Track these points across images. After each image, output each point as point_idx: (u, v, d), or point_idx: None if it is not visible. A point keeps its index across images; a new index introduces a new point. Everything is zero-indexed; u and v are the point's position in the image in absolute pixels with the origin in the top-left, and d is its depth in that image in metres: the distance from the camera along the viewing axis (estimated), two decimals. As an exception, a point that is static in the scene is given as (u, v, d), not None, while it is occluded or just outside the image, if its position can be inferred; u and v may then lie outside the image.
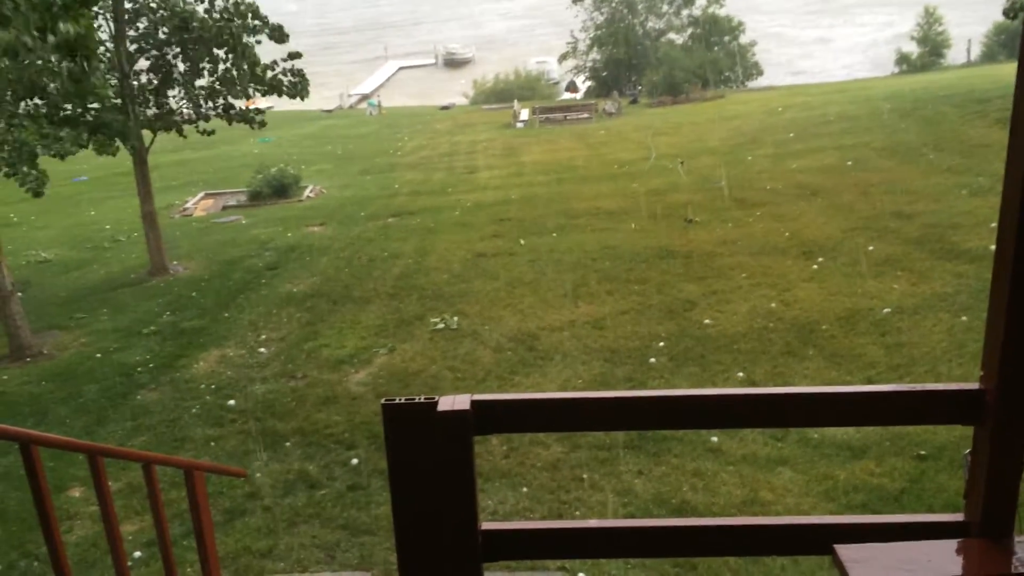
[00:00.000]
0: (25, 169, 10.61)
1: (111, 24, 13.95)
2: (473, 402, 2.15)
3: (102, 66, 13.00)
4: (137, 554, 6.12)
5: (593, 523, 2.80)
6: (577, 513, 6.31)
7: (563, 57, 52.60)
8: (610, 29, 50.08)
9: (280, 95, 14.86)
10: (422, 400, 2.16)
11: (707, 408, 2.31)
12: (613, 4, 50.54)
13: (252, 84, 14.53)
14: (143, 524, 6.45)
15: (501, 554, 2.43)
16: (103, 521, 3.29)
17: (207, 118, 14.78)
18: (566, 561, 5.56)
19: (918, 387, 2.21)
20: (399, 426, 2.18)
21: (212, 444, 7.95)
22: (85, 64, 9.25)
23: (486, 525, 2.28)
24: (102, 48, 13.94)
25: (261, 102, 15.38)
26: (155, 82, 14.46)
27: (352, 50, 79.69)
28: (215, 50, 13.98)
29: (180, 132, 14.74)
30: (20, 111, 11.36)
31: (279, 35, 14.42)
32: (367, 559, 5.89)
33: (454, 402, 2.15)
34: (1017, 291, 1.91)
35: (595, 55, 51.45)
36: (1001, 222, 1.92)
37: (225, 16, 13.71)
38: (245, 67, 14.06)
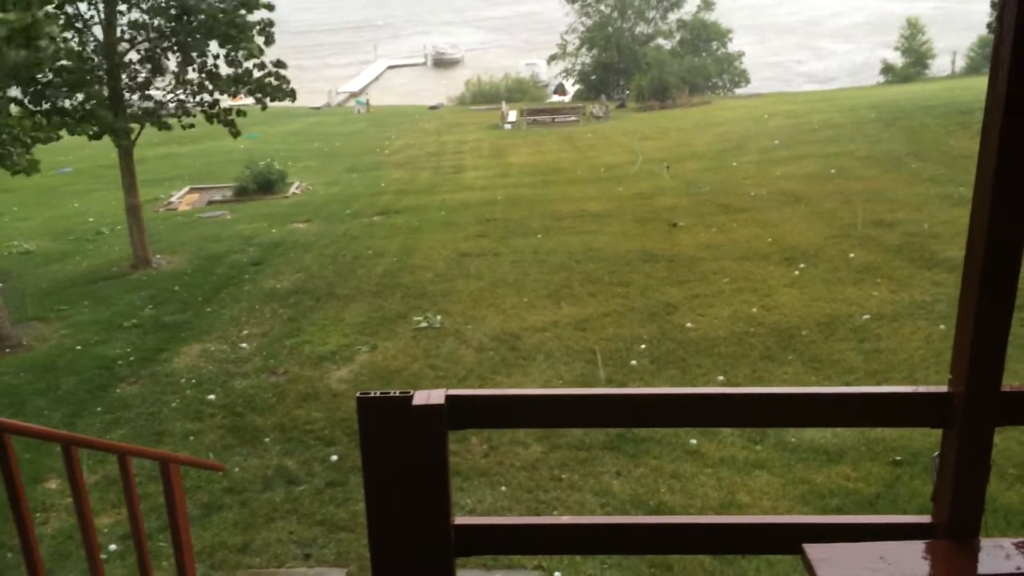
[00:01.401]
0: (11, 150, 10.51)
1: (102, 15, 13.86)
2: (448, 397, 2.17)
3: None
4: (112, 547, 6.09)
5: (566, 519, 2.83)
6: (555, 513, 6.33)
7: (552, 59, 52.71)
8: (599, 33, 50.21)
9: (267, 97, 14.70)
10: (397, 394, 2.17)
11: (682, 406, 2.33)
12: (602, 7, 50.68)
13: (239, 84, 14.43)
14: (119, 517, 6.42)
15: (474, 549, 2.45)
16: (76, 511, 3.28)
17: (191, 114, 14.66)
18: (543, 560, 5.58)
19: (888, 389, 2.25)
20: (374, 419, 2.19)
21: (191, 438, 7.92)
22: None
23: (459, 520, 2.30)
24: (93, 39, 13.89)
25: (249, 99, 15.26)
26: (144, 74, 14.34)
27: (347, 50, 79.43)
28: (211, 42, 13.76)
29: (163, 127, 14.59)
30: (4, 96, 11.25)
31: (267, 37, 14.26)
32: (343, 555, 5.88)
33: (429, 396, 2.17)
34: (985, 297, 1.94)
35: (584, 58, 51.59)
36: (971, 230, 1.96)
37: (233, 4, 13.50)
38: (239, 57, 13.90)
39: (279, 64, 14.50)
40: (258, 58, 13.98)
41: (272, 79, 14.46)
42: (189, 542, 4.42)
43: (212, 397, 8.81)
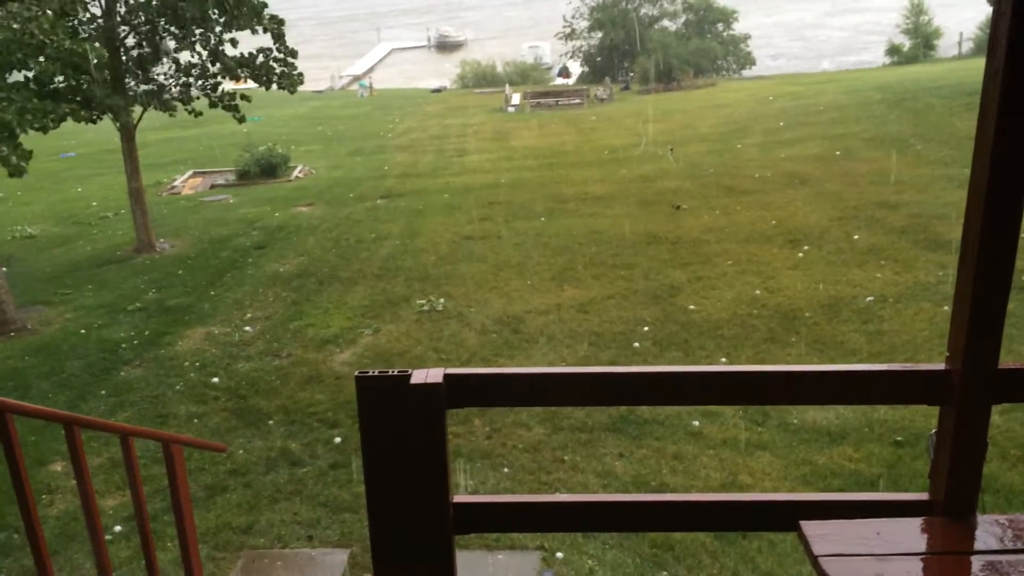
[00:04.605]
0: (4, 149, 10.48)
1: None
2: (446, 375, 2.17)
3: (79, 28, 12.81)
4: (117, 528, 6.14)
5: (565, 498, 2.84)
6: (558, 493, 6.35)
7: (565, 39, 52.31)
8: (605, 14, 49.90)
9: (268, 86, 14.68)
10: (395, 373, 2.18)
11: (682, 385, 2.34)
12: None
13: (242, 68, 14.39)
14: (124, 499, 6.46)
15: (473, 527, 2.47)
16: (79, 490, 3.30)
17: (190, 100, 14.60)
18: (544, 541, 5.61)
19: (885, 367, 2.25)
20: (372, 398, 2.19)
21: (195, 421, 7.95)
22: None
23: (458, 498, 2.31)
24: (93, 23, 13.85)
25: (251, 82, 15.22)
26: (145, 57, 14.29)
27: (354, 35, 78.99)
28: (210, 12, 13.63)
29: (171, 111, 14.59)
30: (5, 84, 11.22)
31: (277, 29, 14.15)
32: (347, 536, 5.91)
33: (427, 375, 2.17)
34: (982, 275, 1.94)
35: (589, 40, 51.31)
36: (968, 207, 1.95)
37: None
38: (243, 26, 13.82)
39: (291, 53, 14.44)
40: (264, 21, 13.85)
41: (277, 64, 14.43)
42: (192, 523, 4.44)
43: (216, 380, 8.85)
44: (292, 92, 15.01)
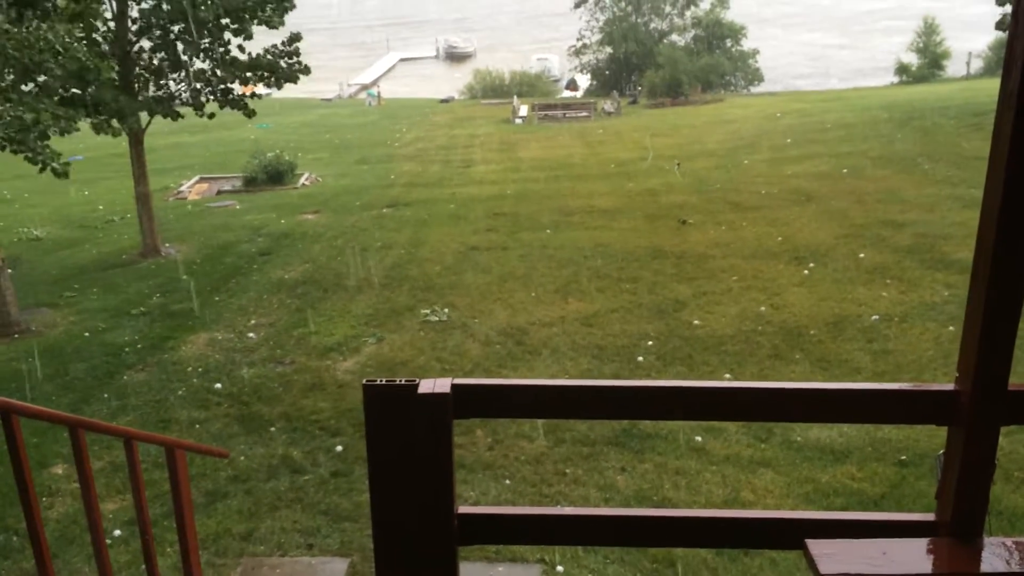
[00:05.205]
0: (47, 147, 10.53)
1: (113, 3, 13.88)
2: (454, 385, 2.17)
3: (103, 47, 12.95)
4: (117, 532, 6.12)
5: (569, 511, 2.83)
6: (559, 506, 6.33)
7: (577, 53, 52.49)
8: (615, 28, 50.08)
9: (279, 81, 14.75)
10: (403, 382, 2.17)
11: (688, 399, 2.32)
12: (616, 3, 50.56)
13: (253, 69, 14.46)
14: (124, 503, 6.45)
15: (477, 538, 2.45)
16: (82, 492, 3.29)
17: (201, 105, 14.67)
18: (545, 554, 5.58)
19: (894, 386, 2.24)
20: (379, 407, 2.19)
21: (197, 426, 7.94)
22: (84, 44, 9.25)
23: (462, 509, 2.30)
24: (104, 28, 13.91)
25: (260, 88, 15.31)
26: (156, 63, 14.35)
27: (364, 45, 79.33)
28: (222, 20, 13.74)
29: (177, 117, 14.63)
30: (24, 90, 11.26)
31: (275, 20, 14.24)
32: (347, 545, 5.89)
33: (435, 385, 2.17)
34: (994, 295, 1.93)
35: (598, 54, 51.49)
36: (980, 226, 1.94)
37: None
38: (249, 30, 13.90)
39: (295, 38, 14.50)
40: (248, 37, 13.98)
41: (285, 59, 14.50)
42: (193, 528, 4.43)
43: (219, 386, 8.84)
44: (295, 82, 15.02)
